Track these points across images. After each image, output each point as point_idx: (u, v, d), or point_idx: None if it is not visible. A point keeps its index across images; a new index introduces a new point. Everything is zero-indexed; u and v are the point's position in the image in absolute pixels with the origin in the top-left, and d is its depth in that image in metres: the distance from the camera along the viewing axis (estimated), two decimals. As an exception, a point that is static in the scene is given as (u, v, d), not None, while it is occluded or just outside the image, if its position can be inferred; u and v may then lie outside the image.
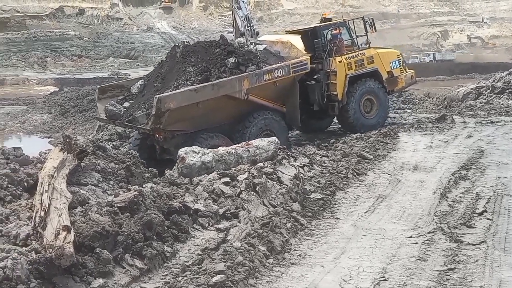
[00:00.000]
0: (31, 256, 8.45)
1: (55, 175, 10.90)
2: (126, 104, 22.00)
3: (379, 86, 25.02)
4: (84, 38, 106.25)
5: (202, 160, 14.96)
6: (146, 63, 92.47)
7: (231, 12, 39.39)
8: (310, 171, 16.21)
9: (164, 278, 9.22)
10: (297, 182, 14.38)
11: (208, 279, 8.92)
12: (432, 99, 35.38)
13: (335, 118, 26.70)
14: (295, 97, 23.09)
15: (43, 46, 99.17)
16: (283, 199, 13.38)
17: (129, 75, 74.23)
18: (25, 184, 11.57)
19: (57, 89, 70.59)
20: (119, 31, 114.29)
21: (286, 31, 28.76)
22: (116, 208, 10.36)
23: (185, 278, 9.08)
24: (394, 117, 27.97)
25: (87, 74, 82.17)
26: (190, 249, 10.40)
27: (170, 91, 20.23)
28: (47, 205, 9.62)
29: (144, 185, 12.49)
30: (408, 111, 31.19)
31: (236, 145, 16.74)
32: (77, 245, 8.76)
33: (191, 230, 11.07)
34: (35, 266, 8.19)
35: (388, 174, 16.60)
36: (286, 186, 13.97)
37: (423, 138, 21.95)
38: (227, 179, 13.42)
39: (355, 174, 16.41)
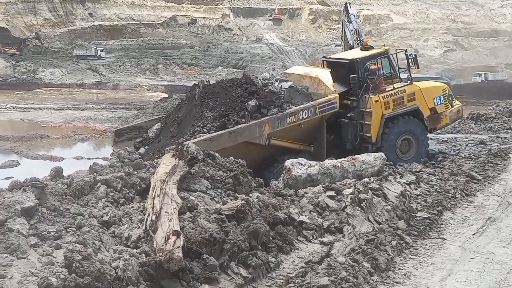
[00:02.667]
0: (142, 258, 8.77)
1: (166, 180, 11.20)
2: (142, 150, 20.30)
3: (419, 125, 22.54)
4: (195, 47, 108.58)
5: (308, 173, 14.98)
6: (253, 73, 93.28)
7: (340, 25, 39.17)
8: (416, 189, 15.95)
9: (268, 288, 9.32)
10: (403, 199, 14.16)
11: (311, 293, 8.95)
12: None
13: None
14: (322, 138, 21.40)
15: (156, 53, 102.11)
16: (389, 216, 13.21)
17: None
18: (138, 187, 11.94)
19: (166, 95, 72.55)
20: (228, 41, 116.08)
21: (323, 58, 26.05)
22: (224, 215, 10.53)
23: (289, 290, 9.14)
24: (505, 137, 27.00)
25: (196, 82, 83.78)
26: (294, 261, 10.45)
27: (185, 138, 18.73)
28: (158, 209, 9.91)
29: (250, 195, 12.63)
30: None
31: (343, 159, 16.66)
32: (186, 250, 8.98)
33: (295, 242, 11.12)
34: (145, 268, 8.49)
35: (498, 197, 16.06)
36: (391, 203, 13.78)
37: (536, 160, 21.12)
38: (332, 193, 13.39)
39: (464, 194, 15.98)
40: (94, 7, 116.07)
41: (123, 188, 11.63)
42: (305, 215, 12.11)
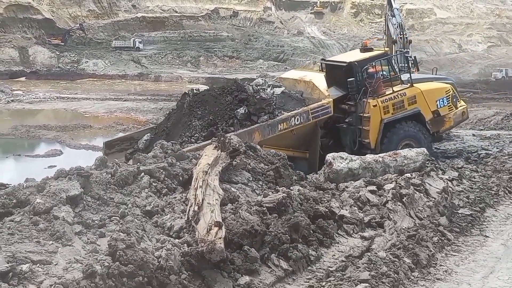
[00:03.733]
0: (184, 249, 8.84)
1: (209, 172, 11.29)
2: (131, 162, 19.90)
3: (421, 129, 21.61)
4: (236, 40, 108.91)
5: (349, 167, 14.96)
6: (294, 67, 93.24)
7: (382, 19, 38.73)
8: (459, 185, 15.83)
9: (308, 282, 9.33)
10: (445, 195, 14.04)
11: (352, 287, 8.94)
12: None
13: None
14: (316, 144, 20.73)
15: (197, 45, 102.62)
16: (430, 212, 13.13)
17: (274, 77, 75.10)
18: (180, 178, 12.04)
19: (207, 87, 72.72)
20: (270, 34, 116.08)
21: (322, 60, 25.39)
22: (265, 208, 10.57)
23: (329, 283, 9.16)
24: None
25: (237, 74, 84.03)
26: (334, 255, 10.45)
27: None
28: (200, 200, 9.99)
29: (291, 187, 12.66)
30: None
31: (384, 153, 16.58)
32: (227, 242, 9.04)
33: (336, 236, 11.11)
34: (187, 258, 8.57)
35: (542, 194, 15.84)
36: (433, 199, 13.69)
37: None
38: (373, 188, 13.35)
39: (507, 192, 15.81)
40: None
41: (166, 179, 11.75)
42: (346, 209, 12.10)
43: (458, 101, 23.15)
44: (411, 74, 22.18)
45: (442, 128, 22.73)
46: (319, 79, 22.20)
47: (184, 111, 20.86)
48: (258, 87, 21.46)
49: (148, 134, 21.65)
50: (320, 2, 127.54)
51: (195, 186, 10.65)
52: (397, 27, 36.48)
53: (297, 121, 20.09)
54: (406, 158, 16.03)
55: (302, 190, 12.45)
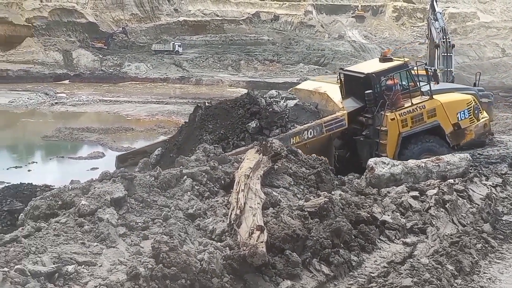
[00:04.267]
0: (226, 252, 8.90)
1: (251, 176, 11.34)
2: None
3: (441, 143, 20.81)
4: (277, 44, 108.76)
5: (391, 172, 14.89)
6: (334, 71, 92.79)
7: (424, 23, 38.33)
8: (502, 191, 15.58)
9: (350, 287, 9.30)
10: (489, 202, 13.86)
11: (394, 293, 8.89)
12: None
13: None
14: (330, 157, 19.57)
15: (238, 49, 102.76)
16: (474, 218, 12.97)
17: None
18: (222, 181, 12.12)
19: (245, 91, 72.85)
20: (310, 38, 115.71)
21: (340, 70, 24.10)
22: (306, 212, 10.57)
23: (371, 289, 9.11)
24: None
25: (277, 78, 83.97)
26: (376, 261, 10.40)
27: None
28: (242, 204, 10.05)
29: (333, 192, 12.63)
30: None
31: (427, 159, 16.44)
32: (269, 246, 9.07)
33: (378, 242, 11.06)
34: (228, 261, 8.61)
35: None
36: (477, 206, 13.53)
37: None
38: (416, 193, 13.26)
39: (552, 198, 15.50)
40: (179, 2, 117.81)
41: (208, 182, 11.84)
42: (388, 215, 12.05)
43: (480, 113, 22.37)
44: (431, 86, 21.27)
45: (462, 141, 21.84)
46: (334, 91, 21.65)
47: (195, 124, 20.52)
48: (272, 99, 21.09)
49: (160, 149, 21.29)
50: (361, 5, 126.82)
51: (237, 190, 10.72)
52: (440, 31, 36.10)
53: (310, 134, 19.62)
54: (449, 163, 15.88)
55: (343, 195, 12.43)
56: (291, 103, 21.03)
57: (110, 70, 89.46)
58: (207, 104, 21.60)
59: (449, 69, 34.73)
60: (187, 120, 22.46)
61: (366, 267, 10.10)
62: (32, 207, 10.17)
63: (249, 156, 12.91)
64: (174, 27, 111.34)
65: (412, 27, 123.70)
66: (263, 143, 13.44)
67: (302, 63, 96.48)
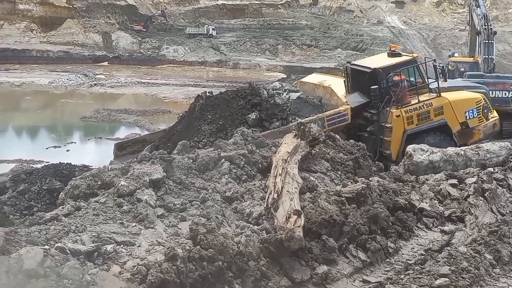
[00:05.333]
0: (262, 235, 8.92)
1: (288, 160, 11.33)
2: None
3: (448, 142, 19.79)
4: (315, 28, 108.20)
5: (430, 159, 14.75)
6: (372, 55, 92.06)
7: (465, 9, 37.81)
8: (543, 181, 15.30)
9: (386, 274, 9.27)
10: (529, 191, 13.63)
11: (431, 281, 8.83)
12: None
13: None
14: None
15: (276, 34, 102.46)
16: (513, 208, 12.78)
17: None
18: (260, 165, 12.15)
19: (284, 76, 72.78)
20: (349, 23, 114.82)
21: (347, 63, 23.69)
22: (344, 198, 10.54)
23: (408, 276, 9.07)
24: None
25: (315, 63, 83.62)
26: (413, 248, 10.33)
27: None
28: (280, 188, 10.06)
29: (370, 178, 12.57)
30: None
31: (466, 146, 16.26)
32: (305, 230, 9.06)
33: (415, 229, 10.98)
34: (265, 245, 8.65)
35: None
36: (516, 195, 13.31)
37: None
38: (454, 181, 13.09)
39: None
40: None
41: (246, 165, 11.88)
42: (426, 202, 11.95)
43: (490, 112, 21.87)
44: (439, 83, 20.72)
45: (470, 141, 20.76)
46: (338, 85, 21.30)
47: (195, 114, 20.17)
48: (274, 91, 20.63)
49: (148, 147, 20.44)
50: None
51: (275, 174, 10.72)
52: (482, 17, 35.58)
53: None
54: (488, 152, 15.67)
55: (381, 181, 12.36)
56: (294, 95, 20.55)
57: (149, 53, 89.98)
58: (208, 94, 21.25)
59: (490, 57, 34.26)
60: (186, 111, 22.06)
61: (403, 254, 10.04)
62: (72, 187, 10.31)
63: (287, 140, 12.90)
64: (212, 10, 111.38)
65: (452, 13, 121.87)
66: (301, 127, 13.40)
67: (340, 49, 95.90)
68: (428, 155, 14.78)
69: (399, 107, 19.99)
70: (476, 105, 21.13)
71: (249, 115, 19.15)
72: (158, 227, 9.03)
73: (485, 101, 21.54)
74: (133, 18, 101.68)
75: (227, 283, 7.80)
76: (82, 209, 9.19)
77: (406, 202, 11.42)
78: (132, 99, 57.85)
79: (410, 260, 9.78)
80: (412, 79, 20.89)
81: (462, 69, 32.34)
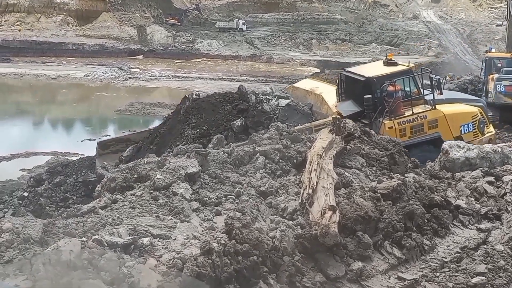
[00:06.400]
0: (297, 231, 8.92)
1: (323, 155, 11.30)
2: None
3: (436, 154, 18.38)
4: (350, 23, 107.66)
5: (466, 156, 14.59)
6: (407, 51, 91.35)
7: (503, 4, 37.26)
8: None
9: (422, 271, 9.20)
10: None
11: (467, 279, 8.75)
12: None
13: None
14: None
15: (310, 28, 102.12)
16: (551, 206, 12.57)
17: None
18: (294, 160, 12.13)
19: (318, 70, 72.56)
20: (384, 17, 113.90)
21: (341, 70, 22.64)
22: (379, 194, 10.47)
23: (443, 274, 8.99)
24: None
25: (349, 58, 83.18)
26: (449, 245, 10.23)
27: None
28: (315, 184, 10.04)
29: (406, 175, 12.46)
30: None
31: (503, 143, 16.05)
32: (341, 226, 9.03)
33: (451, 226, 10.87)
34: (300, 240, 8.62)
35: None
36: (555, 194, 13.08)
37: None
38: (491, 178, 12.94)
39: None
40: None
41: (280, 160, 11.87)
42: (462, 200, 11.82)
43: (486, 127, 21.24)
44: (434, 95, 19.87)
45: None
46: (330, 93, 20.65)
47: (180, 117, 19.57)
48: (265, 96, 20.11)
49: (130, 148, 20.11)
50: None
51: (310, 169, 10.70)
52: (520, 12, 34.99)
53: None
54: (527, 149, 15.44)
55: (417, 178, 12.23)
56: (283, 102, 20.01)
57: (183, 47, 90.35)
58: (194, 96, 20.51)
59: (527, 53, 33.70)
60: (171, 112, 21.50)
61: (438, 251, 9.95)
62: (108, 179, 10.41)
63: (322, 135, 12.86)
64: (246, 4, 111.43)
65: (489, 8, 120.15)
66: (336, 122, 13.35)
67: (374, 43, 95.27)
68: (465, 152, 14.62)
69: (392, 118, 19.36)
70: (472, 119, 20.54)
71: (234, 122, 18.50)
72: (193, 220, 9.07)
73: (481, 115, 21.00)
74: (168, 12, 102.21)
75: (261, 278, 7.80)
76: (118, 202, 9.27)
77: (442, 199, 11.31)
78: (166, 92, 58.22)
79: (446, 258, 9.68)
80: (407, 89, 20.23)
81: (500, 65, 31.79)
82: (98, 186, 10.60)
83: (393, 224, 9.70)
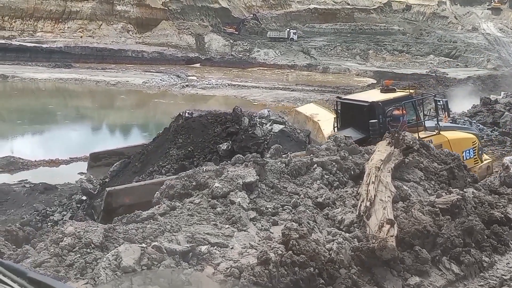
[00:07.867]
0: (354, 243, 8.86)
1: (381, 168, 11.21)
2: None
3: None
4: (407, 34, 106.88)
5: (528, 172, 14.29)
6: (466, 64, 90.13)
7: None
8: None
9: (480, 288, 9.05)
10: None
11: (527, 298, 8.57)
12: None
13: None
14: None
15: (367, 38, 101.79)
16: None
17: (447, 74, 73.07)
18: (352, 172, 12.06)
19: (374, 81, 72.06)
20: (442, 29, 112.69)
21: (337, 98, 21.89)
22: (438, 209, 10.33)
23: (503, 292, 8.82)
24: None
25: (406, 69, 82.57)
26: (508, 263, 10.03)
27: (141, 178, 16.20)
28: (372, 196, 9.96)
29: (465, 190, 12.27)
30: None
31: None
32: (398, 240, 8.95)
33: (511, 244, 10.65)
34: (357, 253, 8.57)
35: None
36: None
37: None
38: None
39: None
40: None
41: (338, 172, 11.82)
42: (523, 217, 11.56)
43: (483, 154, 21.14)
44: (439, 121, 19.93)
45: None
46: (328, 121, 20.25)
47: (168, 136, 19.29)
48: (260, 120, 19.69)
49: (118, 163, 19.89)
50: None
51: (367, 182, 10.63)
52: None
53: None
54: None
55: (476, 193, 12.03)
56: (277, 128, 19.65)
57: (240, 55, 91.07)
58: (187, 115, 20.28)
59: None
60: (162, 130, 21.26)
61: (498, 269, 9.76)
62: (167, 186, 10.53)
63: (380, 148, 12.77)
64: (304, 14, 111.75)
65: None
66: (395, 135, 13.25)
67: (432, 55, 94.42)
68: (526, 168, 14.34)
69: None
70: (473, 145, 20.46)
71: (221, 145, 18.07)
72: (250, 230, 9.11)
73: (478, 143, 20.95)
74: (226, 20, 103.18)
75: (318, 289, 7.79)
76: (177, 209, 9.38)
77: (502, 216, 11.08)
78: (222, 100, 58.66)
79: (506, 276, 9.49)
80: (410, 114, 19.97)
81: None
82: (157, 192, 10.72)
83: (452, 240, 9.55)
